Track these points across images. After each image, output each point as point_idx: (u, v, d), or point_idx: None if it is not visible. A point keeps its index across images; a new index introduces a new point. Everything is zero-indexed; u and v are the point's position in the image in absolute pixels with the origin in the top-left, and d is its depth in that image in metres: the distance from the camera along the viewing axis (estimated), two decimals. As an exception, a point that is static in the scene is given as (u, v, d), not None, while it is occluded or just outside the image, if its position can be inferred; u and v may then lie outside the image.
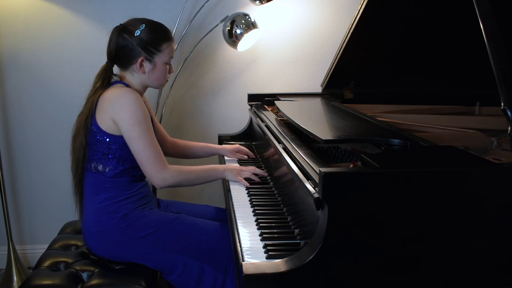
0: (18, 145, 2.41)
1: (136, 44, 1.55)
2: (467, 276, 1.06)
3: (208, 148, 1.97)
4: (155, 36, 1.57)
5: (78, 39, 2.32)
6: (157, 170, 1.53)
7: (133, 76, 1.61)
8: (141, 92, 1.65)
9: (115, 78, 1.63)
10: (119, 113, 1.50)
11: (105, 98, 1.54)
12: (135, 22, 1.58)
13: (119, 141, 1.53)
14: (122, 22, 1.61)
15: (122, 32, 1.57)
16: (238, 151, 1.95)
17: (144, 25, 1.57)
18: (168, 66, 1.63)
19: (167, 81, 1.69)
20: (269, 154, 1.73)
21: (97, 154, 1.55)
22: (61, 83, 2.36)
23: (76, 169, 1.58)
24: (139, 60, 1.57)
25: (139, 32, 1.55)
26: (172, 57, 1.64)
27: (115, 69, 1.64)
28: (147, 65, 1.58)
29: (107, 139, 1.53)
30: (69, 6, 2.28)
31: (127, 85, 1.59)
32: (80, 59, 2.33)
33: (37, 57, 2.32)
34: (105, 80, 1.59)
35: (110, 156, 1.54)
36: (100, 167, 1.55)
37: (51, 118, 2.39)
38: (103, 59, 2.38)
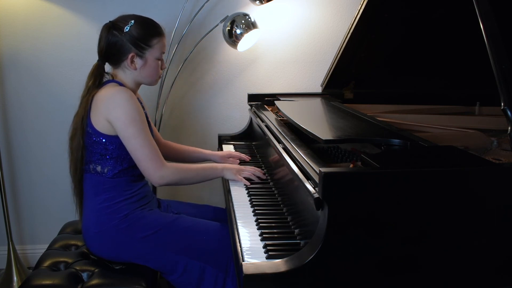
0: (18, 145, 2.42)
1: (126, 40, 1.54)
2: (467, 276, 1.06)
3: (198, 153, 1.94)
4: (145, 32, 1.57)
5: (78, 39, 2.32)
6: (155, 168, 1.52)
7: (125, 73, 1.60)
8: (134, 89, 1.64)
9: (107, 77, 1.63)
10: (113, 112, 1.49)
11: (99, 98, 1.53)
12: (125, 18, 1.58)
13: (115, 141, 1.53)
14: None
15: (111, 29, 1.56)
16: (229, 156, 1.91)
17: (133, 20, 1.56)
18: (159, 62, 1.62)
19: (160, 77, 1.67)
20: (270, 155, 1.73)
21: (94, 155, 1.55)
22: (61, 83, 2.36)
23: (75, 170, 1.58)
24: (130, 56, 1.56)
25: (128, 28, 1.55)
26: (163, 53, 1.63)
27: (107, 67, 1.64)
28: (138, 61, 1.58)
29: (103, 140, 1.53)
30: (69, 6, 2.28)
31: (120, 84, 1.58)
32: (80, 59, 2.33)
33: (37, 57, 2.32)
34: (97, 78, 1.58)
35: (107, 157, 1.54)
36: (98, 168, 1.55)
37: (51, 118, 2.39)
38: (103, 59, 2.37)
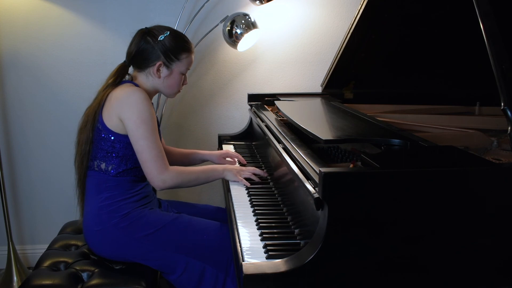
0: (18, 145, 2.42)
1: (157, 48, 1.59)
2: (467, 276, 1.06)
3: (196, 154, 1.95)
4: (178, 45, 1.61)
5: (78, 39, 2.32)
6: (158, 171, 1.53)
7: (147, 79, 1.63)
8: (150, 95, 1.66)
9: (127, 78, 1.65)
10: (126, 111, 1.51)
11: (114, 96, 1.55)
12: (161, 28, 1.62)
13: (123, 140, 1.54)
14: (143, 26, 1.65)
15: (146, 34, 1.60)
16: (227, 156, 1.91)
17: (169, 32, 1.61)
18: (183, 76, 1.66)
19: (179, 91, 1.71)
20: (270, 155, 1.73)
21: (100, 152, 1.56)
22: (61, 83, 2.36)
23: (80, 163, 1.59)
24: (157, 64, 1.59)
25: (163, 37, 1.59)
26: (188, 69, 1.67)
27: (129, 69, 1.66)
28: (163, 71, 1.61)
29: (112, 137, 1.54)
30: (69, 6, 2.28)
31: (137, 86, 1.61)
32: (80, 59, 2.34)
33: (37, 57, 2.32)
34: (118, 77, 1.62)
35: (113, 155, 1.55)
36: (103, 166, 1.56)
37: (51, 118, 2.39)
38: (103, 59, 2.38)
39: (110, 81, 1.60)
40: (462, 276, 1.06)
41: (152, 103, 1.67)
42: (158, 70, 1.60)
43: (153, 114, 1.55)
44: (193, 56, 1.68)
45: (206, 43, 2.38)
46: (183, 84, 1.70)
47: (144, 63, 1.61)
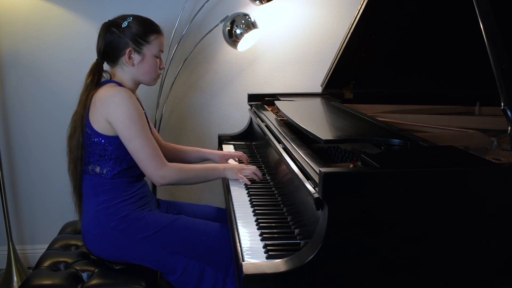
0: (18, 145, 2.42)
1: (124, 36, 1.56)
2: (467, 276, 1.06)
3: (197, 152, 1.94)
4: (143, 27, 1.58)
5: (78, 39, 2.32)
6: (156, 168, 1.52)
7: (124, 71, 1.60)
8: (133, 89, 1.64)
9: (106, 77, 1.63)
10: (113, 113, 1.49)
11: (98, 98, 1.53)
12: (123, 16, 1.60)
13: (114, 142, 1.53)
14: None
15: (110, 26, 1.58)
16: (230, 157, 1.89)
17: (131, 17, 1.58)
18: (158, 60, 1.62)
19: (159, 77, 1.67)
20: (270, 155, 1.73)
21: (93, 156, 1.55)
22: (61, 83, 2.36)
23: (74, 170, 1.57)
24: (127, 51, 1.56)
25: (126, 23, 1.56)
26: (162, 51, 1.64)
27: (106, 67, 1.64)
28: (135, 57, 1.58)
29: (103, 141, 1.53)
30: (69, 6, 2.28)
31: (119, 84, 1.59)
32: (80, 59, 2.34)
33: (37, 57, 2.32)
34: (95, 76, 1.59)
35: (106, 158, 1.54)
36: (97, 169, 1.55)
37: (51, 118, 2.39)
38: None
39: (88, 81, 1.58)
40: (462, 276, 1.06)
41: (138, 99, 1.66)
42: (129, 57, 1.57)
43: (141, 111, 1.53)
44: (162, 38, 1.63)
45: (206, 43, 2.38)
46: (160, 69, 1.65)
47: (115, 55, 1.58)
